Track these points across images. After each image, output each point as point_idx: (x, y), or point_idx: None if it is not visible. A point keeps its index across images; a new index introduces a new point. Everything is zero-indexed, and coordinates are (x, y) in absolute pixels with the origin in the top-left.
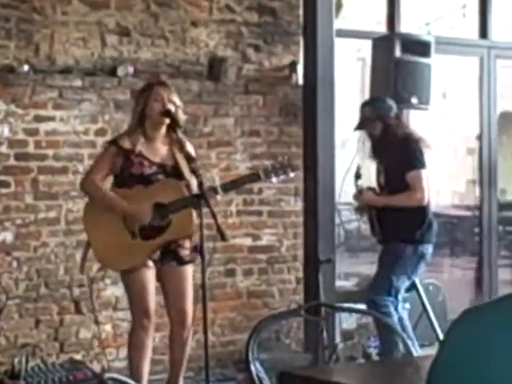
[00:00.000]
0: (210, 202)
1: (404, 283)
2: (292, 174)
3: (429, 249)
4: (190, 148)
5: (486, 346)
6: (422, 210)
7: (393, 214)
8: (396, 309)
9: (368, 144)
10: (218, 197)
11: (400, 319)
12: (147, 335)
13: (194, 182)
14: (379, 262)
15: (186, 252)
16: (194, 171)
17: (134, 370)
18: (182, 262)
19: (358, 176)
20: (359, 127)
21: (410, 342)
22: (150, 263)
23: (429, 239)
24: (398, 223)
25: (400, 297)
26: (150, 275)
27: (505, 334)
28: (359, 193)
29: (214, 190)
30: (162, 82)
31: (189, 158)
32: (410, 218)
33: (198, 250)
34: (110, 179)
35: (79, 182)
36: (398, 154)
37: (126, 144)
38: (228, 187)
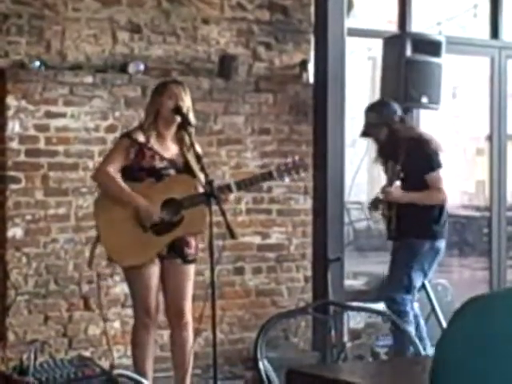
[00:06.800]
0: (222, 199)
1: (421, 279)
2: (303, 174)
3: (443, 243)
4: (198, 147)
5: (485, 342)
6: (440, 206)
7: (412, 210)
8: (412, 306)
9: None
10: (232, 195)
11: (415, 316)
12: (149, 333)
13: (202, 180)
14: (393, 258)
15: (191, 251)
16: (202, 169)
17: (138, 367)
18: (186, 260)
19: (375, 207)
20: (364, 133)
21: (421, 342)
22: (156, 259)
23: (443, 234)
24: (417, 219)
25: (416, 293)
26: (155, 272)
27: (505, 331)
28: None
29: (228, 187)
30: (177, 81)
31: (197, 157)
32: (429, 213)
33: (208, 248)
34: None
35: (92, 174)
36: (414, 156)
37: (140, 137)
38: (242, 185)
